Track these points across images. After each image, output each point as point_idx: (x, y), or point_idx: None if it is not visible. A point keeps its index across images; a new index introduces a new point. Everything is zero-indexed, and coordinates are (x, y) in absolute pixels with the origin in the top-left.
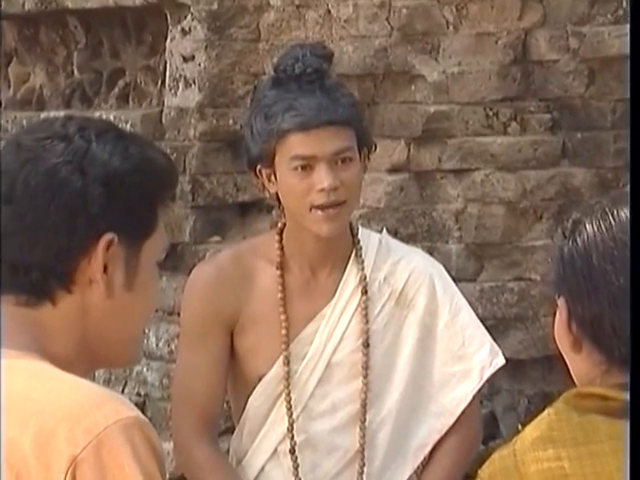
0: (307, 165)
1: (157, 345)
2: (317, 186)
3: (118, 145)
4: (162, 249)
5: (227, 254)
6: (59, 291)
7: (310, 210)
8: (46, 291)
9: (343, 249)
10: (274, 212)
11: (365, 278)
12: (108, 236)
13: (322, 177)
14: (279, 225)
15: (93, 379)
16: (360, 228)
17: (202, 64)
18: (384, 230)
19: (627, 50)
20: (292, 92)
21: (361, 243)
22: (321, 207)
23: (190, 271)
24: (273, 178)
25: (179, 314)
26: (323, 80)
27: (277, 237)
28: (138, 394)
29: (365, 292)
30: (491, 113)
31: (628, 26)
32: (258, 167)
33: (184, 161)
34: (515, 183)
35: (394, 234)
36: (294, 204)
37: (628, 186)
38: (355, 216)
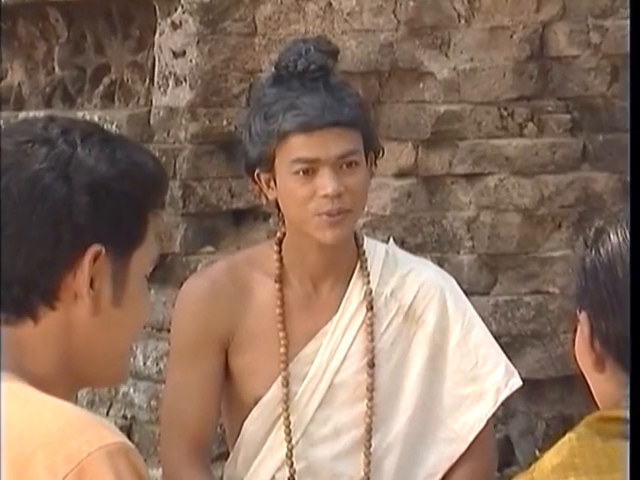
0: (309, 169)
1: (145, 364)
2: (320, 192)
3: (104, 149)
4: (151, 260)
5: (221, 266)
6: (42, 308)
7: (313, 216)
8: (28, 308)
9: (347, 261)
10: (271, 220)
11: (370, 292)
12: (95, 248)
13: (325, 182)
14: (278, 235)
15: (75, 401)
16: (365, 238)
17: (194, 60)
18: (391, 240)
19: None
20: (294, 90)
21: (366, 254)
22: (325, 213)
23: (181, 284)
24: (272, 183)
25: (169, 330)
26: (328, 78)
27: (275, 247)
28: (124, 417)
29: (370, 308)
30: (506, 113)
31: (628, 26)
32: (256, 171)
33: (174, 165)
34: (532, 189)
35: (401, 244)
36: (295, 211)
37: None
38: (359, 224)
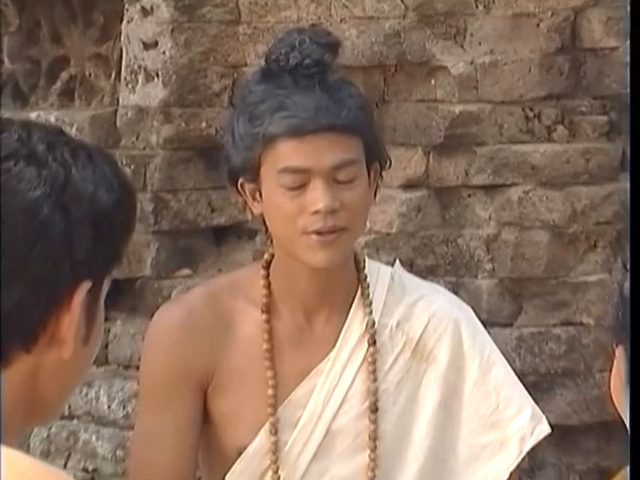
0: (299, 180)
1: (109, 407)
2: (310, 207)
3: (95, 169)
4: (109, 282)
5: (199, 293)
6: (18, 353)
7: (302, 235)
8: (3, 353)
9: (345, 287)
10: (258, 239)
11: (373, 324)
12: (86, 285)
13: (317, 196)
14: (265, 256)
15: (28, 451)
16: (367, 260)
17: (167, 52)
18: (397, 262)
19: None
20: (284, 88)
21: (368, 279)
22: (315, 232)
23: (152, 314)
24: (258, 195)
25: (138, 368)
26: (325, 75)
27: (263, 272)
28: (85, 470)
29: (373, 342)
30: (532, 114)
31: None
32: (240, 181)
33: (144, 174)
34: (562, 202)
35: (409, 267)
36: (282, 228)
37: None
38: (360, 244)
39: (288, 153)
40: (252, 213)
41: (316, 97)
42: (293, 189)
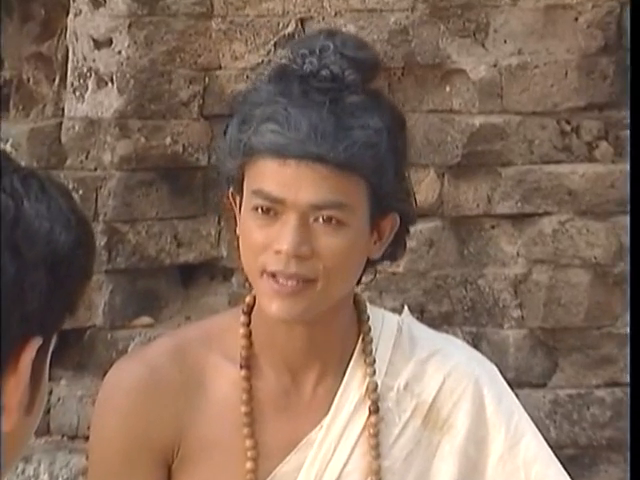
0: (272, 209)
1: None
2: (275, 245)
3: (51, 203)
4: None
5: (163, 346)
6: None
7: (261, 274)
8: None
9: (341, 340)
10: (235, 280)
11: (376, 387)
12: (36, 342)
13: (284, 234)
14: (247, 299)
15: None
16: (369, 306)
17: (123, 52)
18: (405, 309)
19: None
20: (289, 96)
21: (371, 331)
22: (272, 275)
23: (104, 372)
24: (239, 212)
25: (87, 439)
26: (342, 94)
27: (243, 318)
28: None
29: (376, 408)
30: (569, 128)
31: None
32: (231, 190)
33: (95, 201)
34: (606, 236)
35: (420, 314)
36: (246, 260)
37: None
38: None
39: (265, 174)
40: (231, 241)
41: (318, 117)
42: (264, 216)
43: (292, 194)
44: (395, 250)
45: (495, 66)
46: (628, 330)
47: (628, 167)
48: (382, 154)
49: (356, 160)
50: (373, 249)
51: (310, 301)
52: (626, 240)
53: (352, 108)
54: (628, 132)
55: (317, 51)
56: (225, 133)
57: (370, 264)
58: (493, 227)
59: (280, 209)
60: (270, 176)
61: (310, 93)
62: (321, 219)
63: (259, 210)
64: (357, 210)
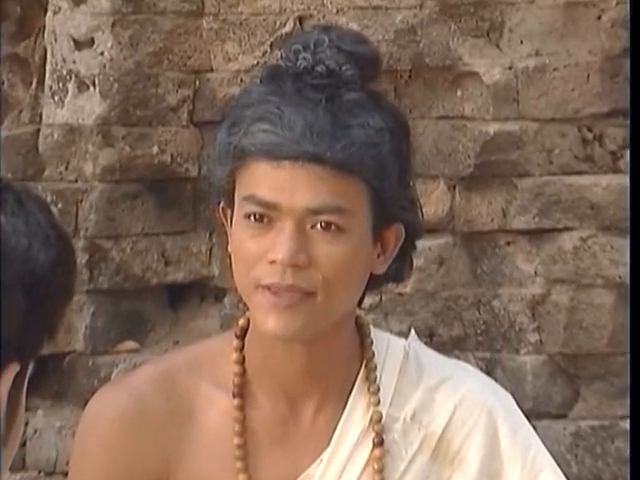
0: (265, 216)
1: None
2: (269, 254)
3: (29, 218)
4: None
5: (149, 373)
6: None
7: (255, 288)
8: None
9: (342, 365)
10: (227, 300)
11: (380, 417)
12: (13, 368)
13: (279, 242)
14: (240, 322)
15: None
16: (373, 330)
17: (107, 53)
18: (412, 333)
19: None
20: (281, 95)
21: (375, 357)
22: (268, 287)
23: (85, 401)
24: (230, 225)
25: (66, 475)
26: (339, 91)
27: (236, 342)
28: None
29: (380, 441)
30: (591, 136)
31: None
32: (221, 204)
33: (76, 215)
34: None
35: (429, 338)
36: (238, 276)
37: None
38: (364, 306)
39: (257, 178)
40: (223, 259)
41: (314, 115)
42: (257, 224)
43: (287, 198)
44: (401, 268)
45: (511, 68)
46: None
47: None
48: (384, 156)
49: (356, 160)
50: (377, 263)
51: (309, 316)
52: None
53: (350, 105)
54: None
55: (311, 46)
56: (214, 143)
57: (374, 283)
58: (508, 244)
59: (274, 215)
60: (263, 180)
61: (305, 91)
62: (319, 225)
63: (252, 218)
64: (358, 216)
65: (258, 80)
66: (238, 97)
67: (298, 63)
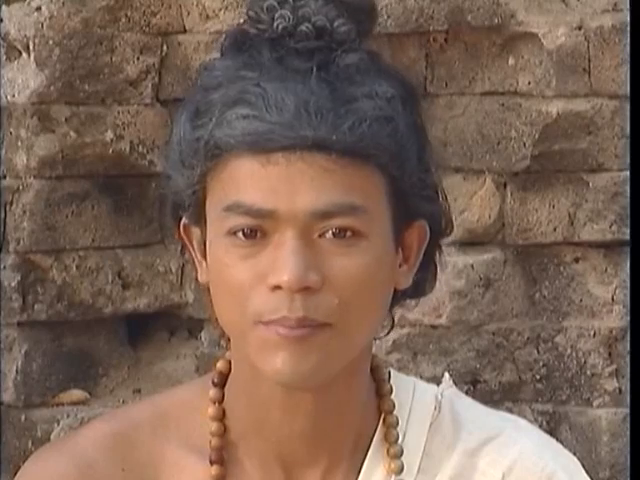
0: (257, 229)
1: None
2: (270, 278)
3: None
4: None
5: (100, 433)
6: None
7: (254, 325)
8: None
9: (354, 422)
10: (205, 335)
11: None
12: None
13: (282, 260)
14: (219, 365)
15: None
16: (393, 374)
17: (45, 8)
18: (445, 377)
19: None
20: (257, 69)
21: (396, 408)
22: (275, 323)
23: (17, 469)
24: (203, 246)
25: None
26: (333, 56)
27: (213, 392)
28: None
29: None
30: None
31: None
32: (183, 221)
33: (4, 222)
34: None
35: (471, 386)
36: (226, 311)
37: None
38: (384, 343)
39: (241, 180)
40: (198, 281)
41: (306, 89)
42: (247, 241)
43: (285, 202)
44: (422, 278)
45: (580, 29)
46: None
47: None
48: (401, 133)
49: (369, 142)
50: (400, 275)
51: (324, 352)
52: None
53: (350, 72)
54: None
55: (290, 0)
56: (172, 142)
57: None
58: (577, 260)
59: (270, 226)
60: (250, 182)
61: (287, 59)
62: (330, 232)
63: (239, 234)
64: (376, 215)
65: (219, 53)
66: (197, 78)
67: (275, 24)
